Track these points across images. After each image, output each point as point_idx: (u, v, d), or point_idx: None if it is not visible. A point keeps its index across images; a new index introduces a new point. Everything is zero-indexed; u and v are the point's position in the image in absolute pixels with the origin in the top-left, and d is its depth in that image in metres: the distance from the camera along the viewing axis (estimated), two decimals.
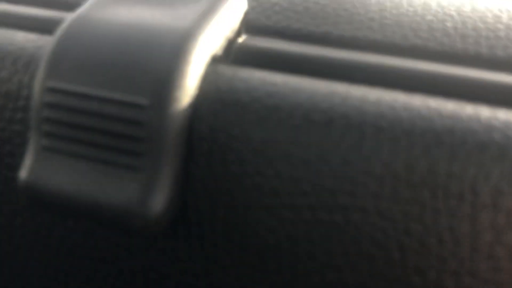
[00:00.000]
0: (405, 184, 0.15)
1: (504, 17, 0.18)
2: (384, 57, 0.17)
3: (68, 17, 0.17)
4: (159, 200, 0.16)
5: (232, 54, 0.18)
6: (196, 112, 0.16)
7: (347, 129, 0.15)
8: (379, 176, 0.15)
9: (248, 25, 0.19)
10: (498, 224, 0.14)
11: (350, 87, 0.16)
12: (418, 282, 0.15)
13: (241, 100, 0.16)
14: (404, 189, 0.15)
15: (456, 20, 0.18)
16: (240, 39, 0.18)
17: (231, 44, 0.18)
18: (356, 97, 0.15)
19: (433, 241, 0.14)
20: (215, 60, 0.17)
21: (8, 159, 0.19)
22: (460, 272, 0.14)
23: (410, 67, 0.16)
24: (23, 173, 0.17)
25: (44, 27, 0.20)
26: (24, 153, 0.19)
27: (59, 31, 0.17)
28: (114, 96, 0.16)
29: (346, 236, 0.15)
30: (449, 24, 0.18)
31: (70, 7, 0.21)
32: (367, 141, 0.15)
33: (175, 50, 0.16)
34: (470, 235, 0.14)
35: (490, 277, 0.14)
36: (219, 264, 0.17)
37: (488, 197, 0.14)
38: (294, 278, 0.16)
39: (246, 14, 0.19)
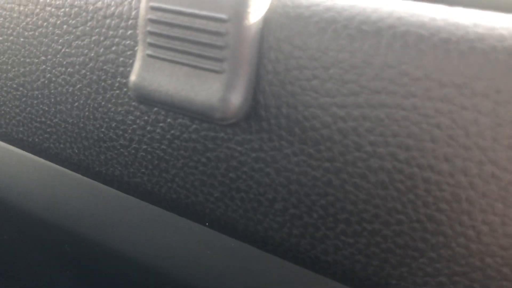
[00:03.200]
0: (437, 84, 0.17)
1: None
2: None
3: None
4: (235, 97, 0.20)
5: None
6: (266, 25, 0.19)
7: (393, 37, 0.18)
8: (416, 78, 0.17)
9: None
10: None
11: (396, 1, 0.18)
12: (447, 169, 0.18)
13: (303, 14, 0.19)
14: (436, 88, 0.17)
15: None
16: None
17: None
18: (401, 10, 0.18)
19: (460, 132, 0.17)
20: None
21: (121, 68, 0.24)
22: (483, 161, 0.17)
23: None
24: (133, 77, 0.22)
25: None
26: (133, 63, 0.23)
27: None
28: (202, 12, 0.20)
29: (387, 129, 0.18)
30: None
31: None
32: (410, 47, 0.17)
33: None
34: (492, 128, 0.16)
35: (510, 166, 0.17)
36: (283, 152, 0.21)
37: (509, 94, 0.16)
38: (343, 165, 0.19)
39: None
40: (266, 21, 0.19)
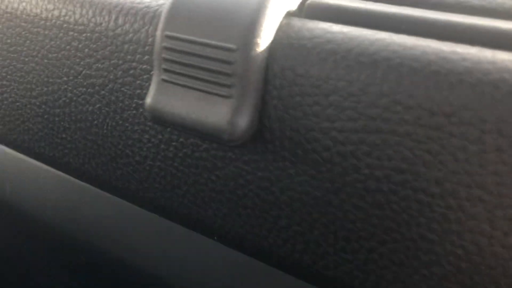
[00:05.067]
0: (428, 112, 0.18)
1: None
2: (423, 10, 0.20)
3: None
4: (242, 121, 0.21)
5: (304, 10, 0.22)
6: (271, 54, 0.21)
7: (388, 69, 0.19)
8: (409, 106, 0.19)
9: None
10: (501, 146, 0.17)
11: (392, 35, 0.19)
12: (437, 192, 0.19)
13: (305, 46, 0.20)
14: (427, 116, 0.18)
15: None
16: None
17: (304, 1, 0.22)
18: (396, 43, 0.19)
19: (449, 158, 0.18)
20: (290, 15, 0.22)
21: (138, 90, 0.26)
22: (471, 185, 0.18)
23: (441, 18, 0.20)
24: (148, 99, 0.24)
25: None
26: (149, 86, 0.25)
27: None
28: (212, 42, 0.21)
29: (383, 153, 0.20)
30: None
31: None
32: (403, 78, 0.19)
33: (257, 7, 0.21)
34: (479, 154, 0.18)
35: (496, 191, 0.18)
36: (286, 173, 0.22)
37: (494, 124, 0.17)
38: (343, 186, 0.21)
39: None
40: (271, 51, 0.21)
